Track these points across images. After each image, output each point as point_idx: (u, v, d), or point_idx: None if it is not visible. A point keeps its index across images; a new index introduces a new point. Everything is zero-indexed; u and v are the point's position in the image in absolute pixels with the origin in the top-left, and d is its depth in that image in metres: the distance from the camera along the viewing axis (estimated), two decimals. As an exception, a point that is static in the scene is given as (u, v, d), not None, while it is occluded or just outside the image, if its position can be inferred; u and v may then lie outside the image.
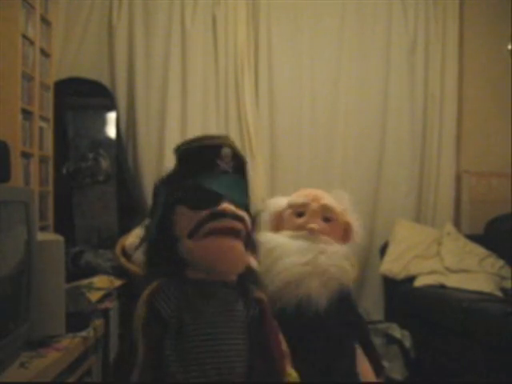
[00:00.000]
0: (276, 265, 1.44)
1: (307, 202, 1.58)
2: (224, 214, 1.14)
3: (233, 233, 1.15)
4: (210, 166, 1.19)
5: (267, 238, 1.52)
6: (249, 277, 1.23)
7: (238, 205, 1.19)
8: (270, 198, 3.58)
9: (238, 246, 1.15)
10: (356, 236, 1.66)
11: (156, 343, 1.13)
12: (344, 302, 1.54)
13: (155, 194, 1.29)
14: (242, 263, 1.18)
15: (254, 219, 1.28)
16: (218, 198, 1.16)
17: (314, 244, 1.50)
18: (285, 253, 1.45)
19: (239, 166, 1.27)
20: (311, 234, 1.52)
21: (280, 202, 1.65)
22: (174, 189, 1.22)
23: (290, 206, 1.61)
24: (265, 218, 1.62)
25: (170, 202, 1.20)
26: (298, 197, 1.64)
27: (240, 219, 1.17)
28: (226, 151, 1.23)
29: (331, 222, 1.59)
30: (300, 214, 1.59)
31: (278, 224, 1.62)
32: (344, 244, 1.60)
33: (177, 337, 1.11)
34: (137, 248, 1.24)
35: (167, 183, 1.28)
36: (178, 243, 1.15)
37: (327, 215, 1.59)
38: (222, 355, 1.12)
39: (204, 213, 1.14)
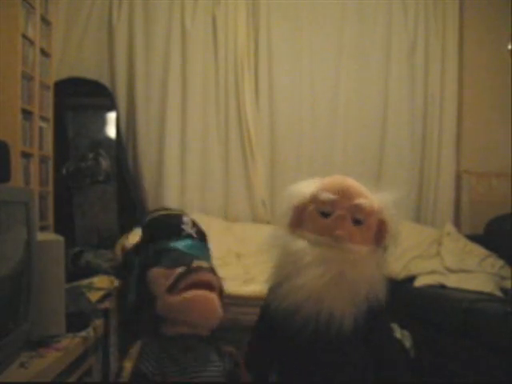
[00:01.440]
0: (296, 275, 1.25)
1: (335, 199, 1.31)
2: (200, 268, 1.24)
3: (210, 286, 1.24)
4: (175, 231, 1.31)
5: (286, 239, 1.32)
6: (219, 331, 1.29)
7: (206, 260, 1.30)
8: (270, 198, 3.63)
9: (215, 298, 1.23)
10: (391, 237, 1.36)
11: None
12: (374, 322, 1.31)
13: (126, 263, 1.37)
14: (218, 315, 1.24)
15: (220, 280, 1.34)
16: (191, 256, 1.26)
17: (340, 254, 1.26)
18: (306, 262, 1.24)
19: (201, 232, 1.38)
20: (338, 242, 1.27)
21: (303, 191, 1.38)
22: (147, 253, 1.31)
23: (315, 200, 1.33)
24: (283, 209, 1.38)
25: (144, 266, 1.28)
26: (325, 190, 1.34)
27: (214, 273, 1.27)
28: (186, 219, 1.35)
29: (362, 225, 1.31)
30: (326, 213, 1.30)
31: (298, 219, 1.34)
32: (376, 247, 1.34)
33: None
34: (123, 321, 1.35)
35: (137, 251, 1.35)
36: (155, 302, 1.23)
37: (358, 217, 1.31)
38: None
39: (180, 268, 1.22)
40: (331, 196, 1.32)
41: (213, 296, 1.22)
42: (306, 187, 1.40)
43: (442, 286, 3.01)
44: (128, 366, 1.22)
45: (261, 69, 3.59)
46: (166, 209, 1.42)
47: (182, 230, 1.31)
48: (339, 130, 3.66)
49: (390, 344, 1.40)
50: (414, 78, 3.72)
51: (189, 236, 1.31)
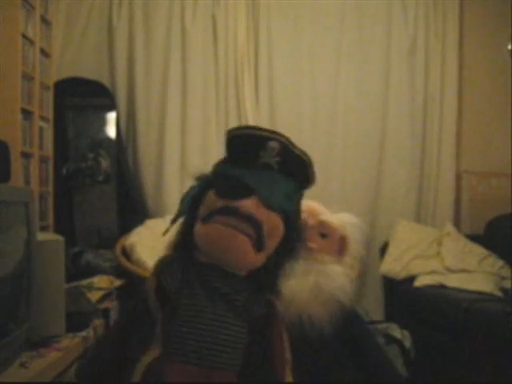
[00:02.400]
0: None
1: (304, 218, 1.42)
2: (235, 212, 1.06)
3: (239, 232, 1.07)
4: (251, 158, 1.10)
5: None
6: (264, 278, 1.14)
7: (270, 206, 1.08)
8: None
9: (240, 238, 1.06)
10: (352, 251, 1.58)
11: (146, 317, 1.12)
12: (349, 322, 1.47)
13: (198, 177, 1.22)
14: (242, 259, 1.08)
15: (294, 225, 1.16)
16: (246, 192, 1.07)
17: (313, 265, 1.43)
18: (286, 274, 1.32)
19: (290, 165, 1.14)
20: (309, 254, 1.44)
21: None
22: (214, 171, 1.17)
23: None
24: None
25: (205, 183, 1.15)
26: None
27: (254, 223, 1.06)
28: (273, 144, 1.11)
29: (328, 238, 1.53)
30: None
31: None
32: (340, 258, 1.54)
33: (169, 315, 1.08)
34: (172, 222, 1.18)
35: (218, 164, 1.19)
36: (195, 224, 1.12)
37: (324, 231, 1.53)
38: (204, 339, 1.06)
39: (220, 203, 1.08)
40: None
41: (238, 236, 1.05)
42: None
43: (442, 286, 3.01)
44: (152, 280, 1.14)
45: (261, 68, 3.59)
46: (260, 128, 1.16)
47: (260, 157, 1.10)
48: (339, 130, 3.66)
49: (371, 342, 1.57)
50: (414, 78, 3.71)
51: (265, 165, 1.10)
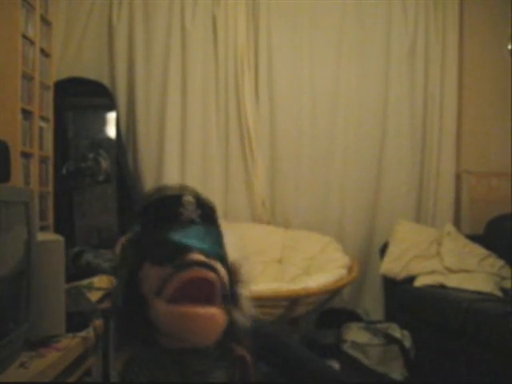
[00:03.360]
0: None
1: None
2: (190, 264, 0.99)
3: (206, 286, 1.00)
4: (172, 217, 1.06)
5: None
6: (229, 336, 1.07)
7: (209, 255, 1.03)
8: (270, 198, 3.63)
9: (213, 311, 0.99)
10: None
11: None
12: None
13: (121, 256, 1.15)
14: (216, 332, 1.01)
15: (234, 271, 1.11)
16: (184, 249, 1.01)
17: None
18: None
19: (208, 214, 1.11)
20: None
21: None
22: (138, 246, 1.09)
23: None
24: None
25: (134, 261, 1.07)
26: None
27: (211, 268, 1.00)
28: (188, 199, 1.08)
29: None
30: None
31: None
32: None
33: None
34: (110, 314, 1.14)
35: (133, 242, 1.12)
36: (146, 305, 1.03)
37: None
38: None
39: (169, 267, 1.00)
40: None
41: (208, 309, 0.98)
42: None
43: (442, 286, 3.01)
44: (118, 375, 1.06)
45: (261, 68, 3.59)
46: (163, 189, 1.12)
47: (181, 214, 1.06)
48: (339, 130, 3.66)
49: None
50: (414, 78, 3.72)
51: (190, 221, 1.06)
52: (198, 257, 1.00)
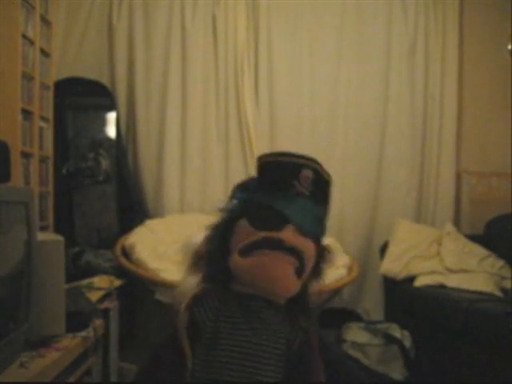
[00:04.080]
0: None
1: None
2: (280, 245, 1.06)
3: (289, 252, 1.08)
4: (284, 186, 1.11)
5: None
6: (299, 305, 1.16)
7: (305, 233, 1.10)
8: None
9: (286, 268, 1.07)
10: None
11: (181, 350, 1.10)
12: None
13: (230, 197, 1.24)
14: (287, 288, 1.09)
15: (325, 250, 1.18)
16: (283, 222, 1.08)
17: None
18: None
19: (320, 191, 1.14)
20: None
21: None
22: (245, 199, 1.17)
23: None
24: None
25: (236, 212, 1.15)
26: None
27: (297, 253, 1.08)
28: (307, 173, 1.13)
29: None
30: None
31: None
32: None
33: (208, 347, 1.08)
34: (202, 256, 1.20)
35: (243, 190, 1.22)
36: (229, 255, 1.11)
37: None
38: (248, 374, 1.07)
39: (261, 235, 1.07)
40: None
41: (282, 265, 1.06)
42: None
43: (442, 286, 3.01)
44: (185, 308, 1.13)
45: (261, 68, 3.59)
46: (293, 155, 1.20)
47: (293, 185, 1.10)
48: (339, 130, 3.66)
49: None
50: (414, 78, 3.71)
51: (300, 195, 1.10)
52: (289, 239, 1.07)
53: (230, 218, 1.14)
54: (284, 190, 1.10)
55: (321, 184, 1.14)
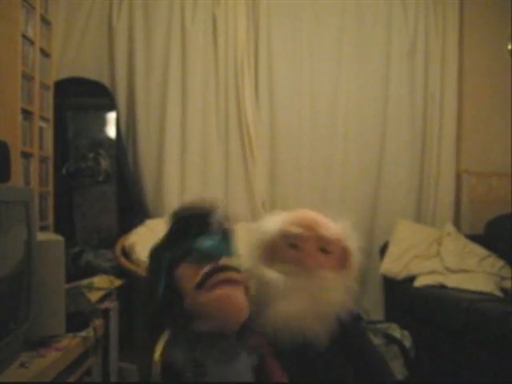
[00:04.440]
0: (271, 305, 1.35)
1: (302, 233, 1.42)
2: (227, 268, 1.25)
3: (235, 284, 1.25)
4: (204, 229, 1.31)
5: (259, 271, 1.42)
6: (248, 326, 1.28)
7: (231, 258, 1.30)
8: (270, 199, 3.63)
9: (241, 295, 1.24)
10: (354, 263, 1.50)
11: None
12: (349, 342, 1.44)
13: (153, 259, 1.37)
14: (245, 312, 1.24)
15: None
16: (219, 253, 1.27)
17: (310, 282, 1.38)
18: (280, 292, 1.36)
19: (229, 232, 1.37)
20: (307, 271, 1.39)
21: (272, 227, 1.49)
22: (174, 250, 1.31)
23: (283, 235, 1.45)
24: (253, 244, 1.48)
25: (172, 262, 1.29)
26: (292, 224, 1.46)
27: (238, 272, 1.27)
28: (216, 215, 1.33)
29: (328, 253, 1.45)
30: (293, 245, 1.44)
31: (269, 253, 1.46)
32: (341, 271, 1.47)
33: None
34: (155, 318, 1.35)
35: (164, 247, 1.35)
36: (182, 299, 1.25)
37: (324, 246, 1.44)
38: None
39: (208, 266, 1.24)
40: (299, 230, 1.44)
41: (239, 293, 1.23)
42: (274, 223, 1.50)
43: (442, 286, 3.01)
44: (158, 356, 1.25)
45: (261, 69, 3.59)
46: (194, 205, 1.38)
47: (210, 226, 1.30)
48: (339, 130, 3.66)
49: (371, 351, 1.52)
50: (414, 78, 3.72)
51: (217, 233, 1.31)
52: (229, 262, 1.27)
53: (168, 269, 1.29)
54: (205, 232, 1.30)
55: (226, 223, 1.35)
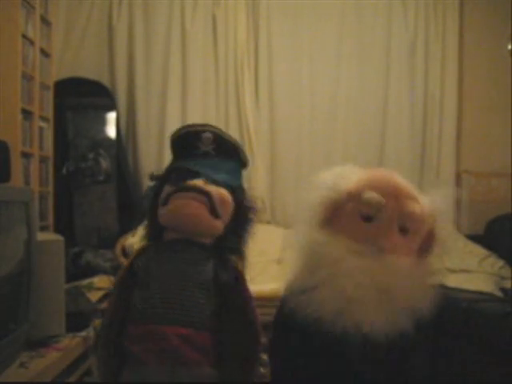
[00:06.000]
0: (330, 283, 1.08)
1: (382, 203, 1.11)
2: (188, 188, 1.24)
3: (194, 199, 1.25)
4: (191, 149, 1.31)
5: (318, 240, 1.13)
6: (230, 245, 1.31)
7: (215, 182, 1.27)
8: (270, 198, 3.63)
9: (193, 206, 1.24)
10: (439, 251, 1.21)
11: (124, 294, 1.27)
12: (422, 333, 1.22)
13: (152, 178, 1.42)
14: (197, 223, 1.26)
15: (242, 197, 1.34)
16: (193, 176, 1.26)
17: (383, 266, 1.09)
18: (344, 271, 1.08)
19: (225, 150, 1.34)
20: (381, 253, 1.09)
21: (341, 184, 1.17)
22: (164, 171, 1.36)
23: (356, 199, 1.13)
24: (309, 201, 1.17)
25: (159, 181, 1.33)
26: (370, 188, 1.14)
27: (205, 194, 1.24)
28: (206, 135, 1.32)
29: (410, 234, 1.13)
30: (369, 217, 1.12)
31: (330, 217, 1.15)
32: (421, 257, 1.19)
33: (142, 286, 1.24)
34: (141, 219, 1.43)
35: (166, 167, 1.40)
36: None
37: (407, 226, 1.12)
38: (174, 300, 1.21)
39: (175, 186, 1.26)
40: (378, 198, 1.11)
41: (190, 204, 1.24)
42: (344, 179, 1.18)
43: (442, 286, 3.01)
44: (126, 262, 1.34)
45: (261, 68, 3.59)
46: (191, 125, 1.38)
47: (198, 147, 1.30)
48: (339, 130, 3.66)
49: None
50: (414, 78, 3.72)
51: (205, 153, 1.30)
52: (194, 183, 1.25)
53: (157, 185, 1.33)
54: (191, 152, 1.30)
55: (224, 144, 1.33)
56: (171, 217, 1.26)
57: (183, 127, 1.38)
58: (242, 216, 1.33)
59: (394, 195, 1.13)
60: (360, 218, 1.12)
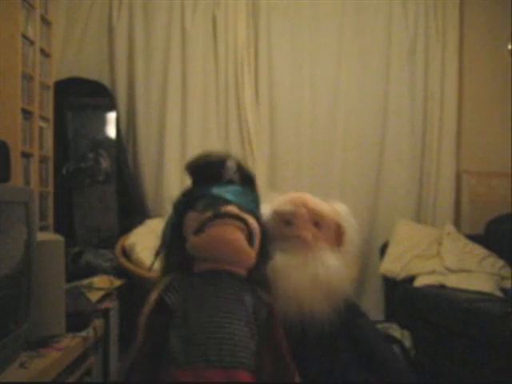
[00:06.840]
0: (275, 282, 1.38)
1: (295, 208, 1.50)
2: (226, 214, 1.21)
3: (232, 226, 1.22)
4: (215, 176, 1.30)
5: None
6: (258, 278, 1.29)
7: (245, 209, 1.26)
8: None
9: (236, 233, 1.20)
10: (350, 238, 1.55)
11: (157, 333, 1.19)
12: (350, 315, 1.48)
13: (173, 206, 1.39)
14: (240, 251, 1.22)
15: (264, 227, 1.34)
16: (223, 202, 1.25)
17: (310, 256, 1.43)
18: (282, 270, 1.39)
19: (247, 180, 1.36)
20: (304, 244, 1.45)
21: (265, 210, 1.53)
22: (185, 198, 1.34)
23: (277, 214, 1.52)
24: None
25: (181, 209, 1.31)
26: (284, 203, 1.54)
27: (242, 220, 1.22)
28: (230, 164, 1.32)
29: (322, 227, 1.50)
30: (288, 222, 1.50)
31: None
32: (338, 247, 1.52)
33: (181, 325, 1.17)
34: (156, 254, 1.37)
35: (183, 195, 1.37)
36: (186, 243, 1.25)
37: (317, 220, 1.50)
38: (223, 340, 1.15)
39: (208, 213, 1.23)
40: (291, 206, 1.51)
41: (232, 231, 1.20)
42: (265, 206, 1.54)
43: (442, 286, 3.01)
44: (153, 296, 1.25)
45: (261, 68, 3.59)
46: (213, 153, 1.40)
47: (222, 175, 1.30)
48: (339, 130, 3.66)
49: (377, 337, 1.58)
50: (414, 78, 3.72)
51: (229, 181, 1.30)
52: (232, 208, 1.23)
53: (177, 214, 1.31)
54: (216, 180, 1.30)
55: (244, 174, 1.35)
56: (209, 244, 1.21)
57: (203, 155, 1.38)
58: (265, 247, 1.33)
59: (303, 204, 1.51)
60: (284, 224, 1.50)
